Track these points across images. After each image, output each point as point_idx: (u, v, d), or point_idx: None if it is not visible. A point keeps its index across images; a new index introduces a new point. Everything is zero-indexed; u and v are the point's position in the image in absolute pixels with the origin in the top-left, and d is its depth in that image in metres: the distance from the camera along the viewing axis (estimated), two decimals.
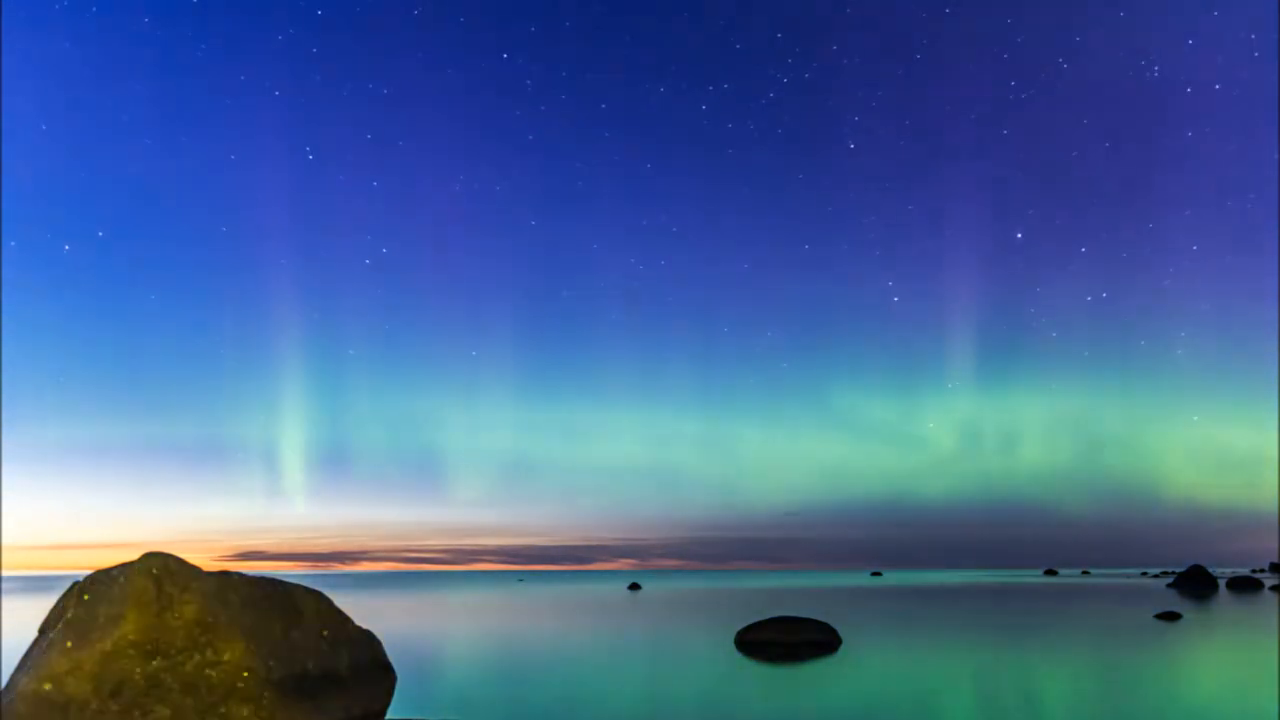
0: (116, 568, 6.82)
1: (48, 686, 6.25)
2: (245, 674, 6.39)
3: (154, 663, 6.31)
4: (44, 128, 72.05)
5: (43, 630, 6.80)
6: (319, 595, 7.39)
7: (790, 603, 35.76)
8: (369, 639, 7.55)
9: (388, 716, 7.62)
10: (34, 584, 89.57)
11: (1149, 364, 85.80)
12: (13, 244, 73.07)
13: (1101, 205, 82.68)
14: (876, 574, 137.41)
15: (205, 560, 7.32)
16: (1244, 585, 57.27)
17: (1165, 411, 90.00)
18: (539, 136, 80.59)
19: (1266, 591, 50.29)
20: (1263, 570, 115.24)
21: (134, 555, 6.89)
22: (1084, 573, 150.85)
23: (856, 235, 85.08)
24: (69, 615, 6.63)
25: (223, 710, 6.31)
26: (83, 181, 75.68)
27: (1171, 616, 26.71)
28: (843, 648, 16.95)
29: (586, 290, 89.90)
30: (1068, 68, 73.06)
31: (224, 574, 7.01)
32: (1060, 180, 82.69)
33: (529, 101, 77.56)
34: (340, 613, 7.47)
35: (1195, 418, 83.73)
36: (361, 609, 28.56)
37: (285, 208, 79.37)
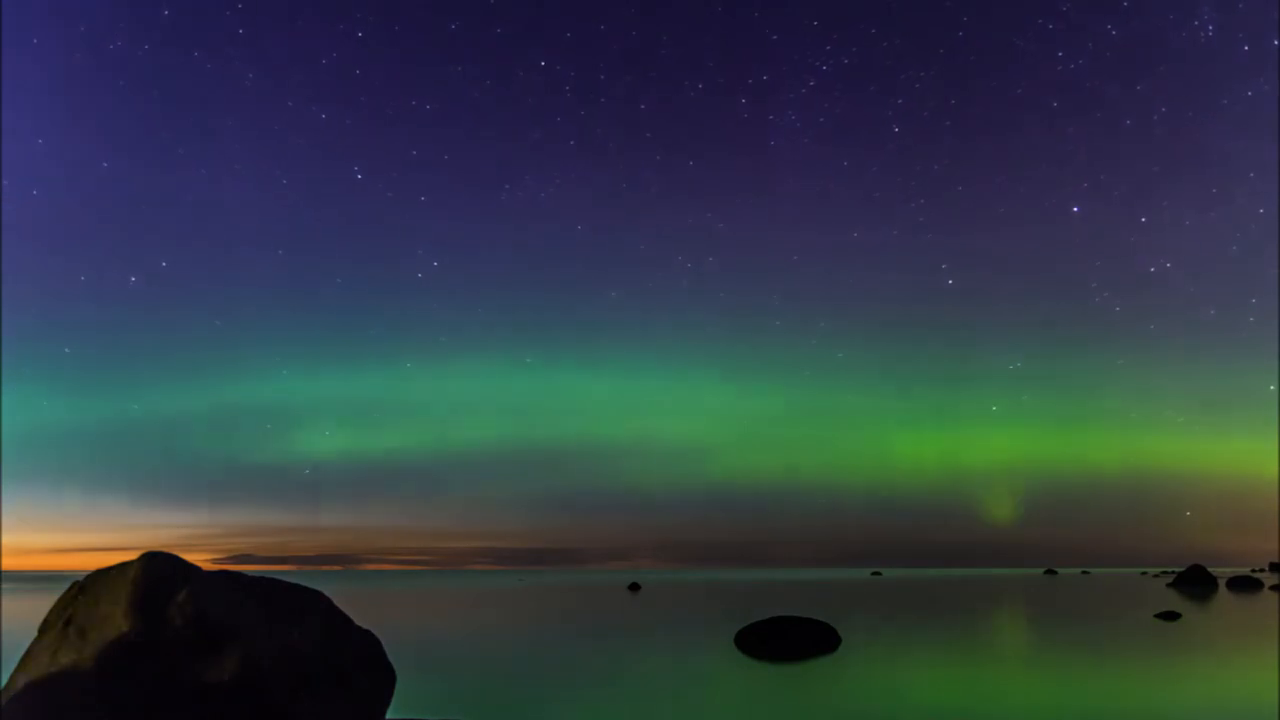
0: (116, 567, 6.82)
1: (47, 686, 6.24)
2: (245, 674, 6.39)
3: (154, 662, 6.30)
4: (105, 165, 74.25)
5: (42, 630, 6.79)
6: (319, 595, 7.38)
7: (790, 601, 35.75)
8: (369, 639, 7.54)
9: (388, 716, 7.61)
10: (34, 584, 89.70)
11: (1220, 334, 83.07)
12: (82, 279, 75.64)
13: (1160, 173, 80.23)
14: (876, 573, 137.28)
15: (203, 561, 7.35)
16: (1244, 585, 57.26)
17: (1241, 382, 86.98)
18: (580, 141, 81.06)
19: (1266, 591, 50.28)
20: (1263, 570, 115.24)
21: (133, 556, 6.89)
22: (1083, 572, 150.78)
23: (906, 220, 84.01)
24: (69, 615, 6.62)
25: (223, 710, 6.30)
26: (145, 216, 78.05)
27: (1171, 616, 26.70)
28: (842, 646, 16.95)
29: (635, 290, 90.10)
30: (1116, 34, 71.32)
31: (224, 573, 7.00)
32: (1116, 150, 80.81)
33: (569, 107, 78.25)
34: (340, 613, 7.46)
35: (1272, 387, 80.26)
36: (361, 609, 28.55)
37: (337, 227, 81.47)
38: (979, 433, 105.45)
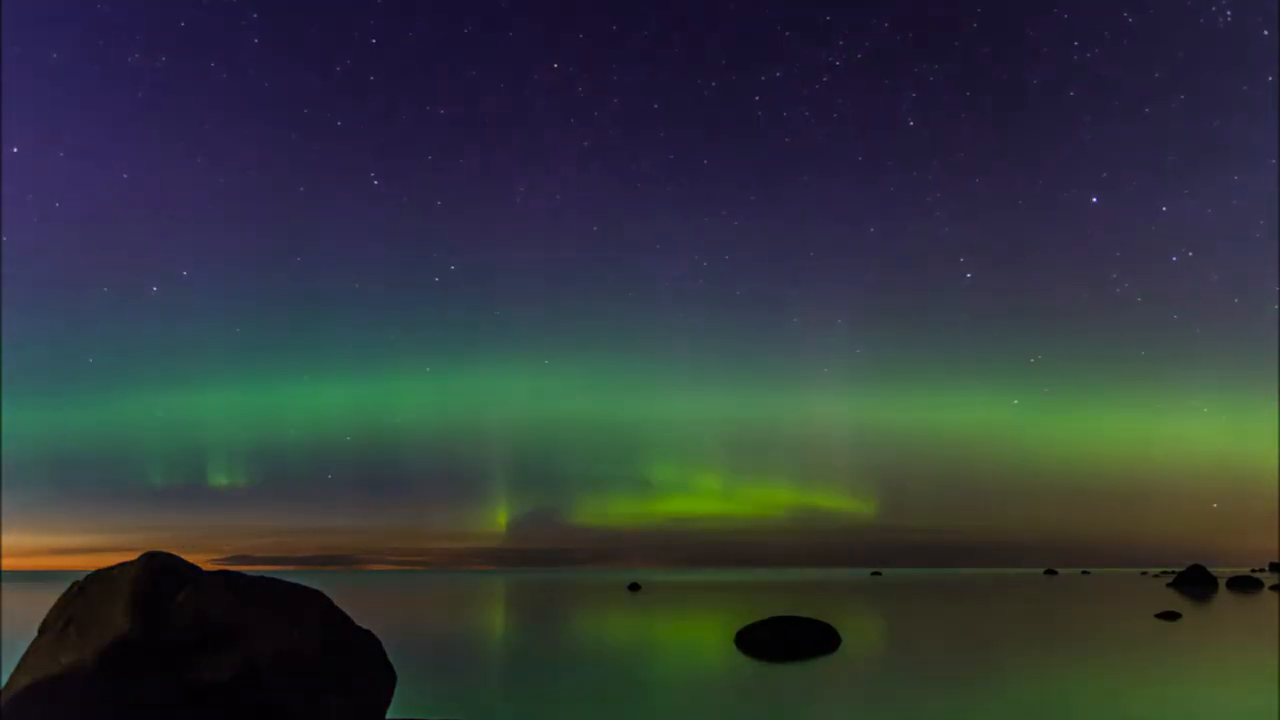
0: (116, 567, 6.82)
1: (47, 686, 6.24)
2: (245, 674, 6.39)
3: (154, 662, 6.30)
4: (125, 177, 74.97)
5: (42, 630, 6.79)
6: (319, 595, 7.37)
7: (790, 602, 35.75)
8: (369, 639, 7.54)
9: (388, 716, 7.61)
10: (34, 583, 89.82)
11: (1244, 322, 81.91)
12: (105, 290, 76.49)
13: (1180, 162, 77.98)
14: (876, 573, 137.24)
15: (203, 561, 7.36)
16: (1244, 584, 57.26)
17: (1264, 371, 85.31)
18: (594, 142, 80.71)
19: (1266, 591, 50.29)
20: (1263, 570, 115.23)
21: (132, 556, 6.89)
22: (1083, 572, 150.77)
23: (922, 214, 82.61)
24: (69, 614, 6.62)
25: (223, 710, 6.30)
26: (165, 225, 78.79)
27: (1171, 616, 26.69)
28: (842, 646, 16.95)
29: (652, 291, 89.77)
30: (1133, 21, 70.19)
31: (224, 573, 7.00)
32: (1134, 140, 79.09)
33: (582, 108, 77.92)
34: (340, 612, 7.45)
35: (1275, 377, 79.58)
36: (361, 609, 28.53)
37: (354, 233, 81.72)
38: (998, 427, 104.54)
